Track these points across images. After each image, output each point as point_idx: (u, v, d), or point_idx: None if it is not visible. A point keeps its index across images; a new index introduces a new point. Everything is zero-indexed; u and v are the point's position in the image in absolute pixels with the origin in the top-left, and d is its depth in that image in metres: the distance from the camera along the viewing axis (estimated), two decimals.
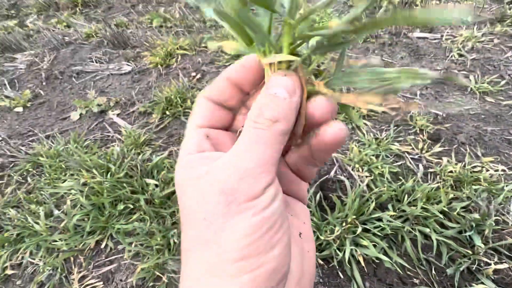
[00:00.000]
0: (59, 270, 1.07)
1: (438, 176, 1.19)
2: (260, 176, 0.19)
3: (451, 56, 1.81)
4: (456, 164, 1.21)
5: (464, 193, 1.09)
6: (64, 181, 1.31)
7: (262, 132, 0.20)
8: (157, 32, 2.46)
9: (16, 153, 1.50)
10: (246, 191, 0.19)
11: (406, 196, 1.08)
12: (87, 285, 1.03)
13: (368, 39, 2.05)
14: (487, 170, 1.18)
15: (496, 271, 0.91)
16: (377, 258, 0.96)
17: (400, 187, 1.12)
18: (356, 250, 0.97)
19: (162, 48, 2.13)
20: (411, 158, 1.27)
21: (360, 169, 1.21)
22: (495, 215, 1.00)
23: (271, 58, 0.22)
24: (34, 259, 1.11)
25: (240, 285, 0.18)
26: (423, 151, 1.29)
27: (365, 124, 1.44)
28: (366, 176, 1.18)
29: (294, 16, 0.21)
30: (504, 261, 0.93)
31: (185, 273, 0.21)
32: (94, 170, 1.27)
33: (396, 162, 1.25)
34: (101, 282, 1.04)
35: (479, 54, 1.80)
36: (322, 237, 0.99)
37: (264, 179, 0.20)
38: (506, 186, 1.09)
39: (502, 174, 1.16)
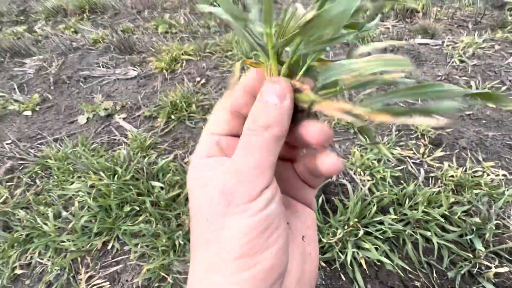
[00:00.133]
0: (66, 270, 1.09)
1: (439, 181, 1.20)
2: (257, 179, 0.21)
3: (452, 62, 1.83)
4: (457, 168, 1.22)
5: (465, 197, 1.10)
6: (72, 183, 1.34)
7: (256, 138, 0.21)
8: (163, 38, 2.51)
9: (25, 155, 1.54)
10: (243, 193, 0.20)
11: (408, 200, 1.10)
12: (94, 285, 1.05)
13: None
14: (488, 175, 1.19)
15: (496, 275, 0.92)
16: (379, 260, 0.97)
17: (401, 191, 1.14)
18: (358, 253, 0.98)
19: (167, 53, 2.18)
20: (413, 163, 1.29)
21: (362, 173, 1.23)
22: (496, 219, 1.01)
23: (260, 65, 0.23)
24: (42, 259, 1.14)
25: (239, 281, 0.19)
26: (425, 156, 1.30)
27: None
28: (368, 180, 1.20)
29: (270, 23, 0.22)
30: (504, 264, 0.94)
31: (190, 270, 0.23)
32: (101, 173, 1.30)
33: (398, 166, 1.27)
34: (108, 282, 1.06)
35: (480, 60, 1.82)
36: (324, 240, 1.01)
37: (260, 182, 0.21)
38: (507, 190, 1.11)
39: (502, 179, 1.17)
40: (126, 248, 1.14)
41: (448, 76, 1.73)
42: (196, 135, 1.57)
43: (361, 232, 0.99)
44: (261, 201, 0.21)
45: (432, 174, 1.23)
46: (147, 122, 1.72)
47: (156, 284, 1.02)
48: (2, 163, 1.55)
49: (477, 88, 1.61)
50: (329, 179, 1.22)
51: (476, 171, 1.21)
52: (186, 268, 1.02)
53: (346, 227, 1.02)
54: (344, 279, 0.97)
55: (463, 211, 1.05)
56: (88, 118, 1.81)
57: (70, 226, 1.20)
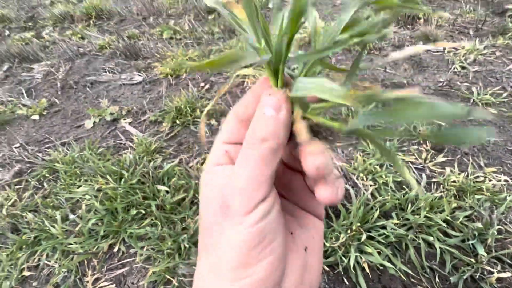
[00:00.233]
0: (73, 272, 1.11)
1: (441, 186, 1.21)
2: (251, 193, 0.21)
3: (454, 68, 1.85)
4: (459, 174, 1.23)
5: (467, 202, 1.11)
6: (79, 186, 1.37)
7: (251, 151, 0.21)
8: (167, 44, 2.55)
9: (33, 159, 1.57)
10: (239, 206, 0.21)
11: (410, 204, 1.11)
12: (100, 287, 1.07)
13: (372, 51, 2.11)
14: (490, 180, 1.20)
15: (499, 280, 0.93)
16: (382, 265, 0.98)
17: (404, 196, 1.15)
18: (361, 257, 0.99)
19: (172, 59, 2.22)
20: (415, 168, 1.30)
21: (365, 178, 1.25)
22: (498, 225, 1.02)
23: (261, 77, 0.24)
24: (50, 261, 1.16)
25: None
26: (427, 161, 1.32)
27: None
28: (371, 185, 1.21)
29: (259, 38, 0.22)
30: (507, 270, 0.94)
31: (196, 270, 0.24)
32: (108, 176, 1.33)
33: None
34: (114, 285, 1.07)
35: (481, 66, 1.84)
36: (327, 244, 1.02)
37: (256, 195, 0.21)
38: (509, 196, 1.12)
39: (504, 184, 1.18)
40: (132, 251, 1.16)
41: (449, 82, 1.74)
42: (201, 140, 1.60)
43: (363, 237, 1.01)
44: (256, 215, 0.21)
45: (434, 180, 1.25)
46: (153, 127, 1.75)
47: (162, 287, 1.04)
48: (10, 166, 1.58)
49: (478, 94, 1.63)
50: None
51: (478, 177, 1.23)
52: (191, 271, 1.04)
53: (349, 231, 1.04)
54: (347, 283, 0.98)
55: (465, 216, 1.06)
56: (94, 122, 1.84)
57: (77, 229, 1.22)
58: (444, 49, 2.04)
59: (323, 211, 0.29)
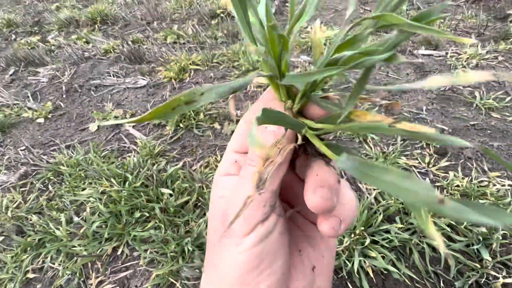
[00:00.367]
0: (77, 275, 1.12)
1: (445, 190, 1.21)
2: (250, 213, 0.20)
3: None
4: (462, 178, 1.23)
5: None
6: (84, 189, 1.38)
7: (252, 168, 0.21)
8: (171, 48, 2.58)
9: (38, 162, 1.59)
10: (236, 229, 0.21)
11: None
12: None
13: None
14: (494, 185, 1.20)
15: (504, 285, 0.92)
16: (386, 269, 0.98)
17: None
18: (364, 261, 0.99)
19: (176, 63, 2.24)
20: (418, 172, 1.30)
21: None
22: (502, 229, 1.02)
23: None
24: (54, 263, 1.16)
25: None
26: (430, 165, 1.32)
27: (372, 138, 1.49)
28: (374, 189, 1.21)
29: (262, 55, 0.22)
30: None
31: (203, 276, 0.25)
32: (112, 179, 1.34)
33: None
34: None
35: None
36: None
37: (254, 216, 0.20)
38: None
39: (508, 189, 1.18)
40: (135, 253, 1.16)
41: (452, 87, 1.75)
42: (204, 143, 1.61)
43: (367, 241, 1.01)
44: (254, 237, 0.20)
45: (437, 184, 1.25)
46: (156, 130, 1.76)
47: None
48: (16, 169, 1.59)
49: (481, 99, 1.63)
50: None
51: (481, 181, 1.22)
52: (194, 274, 1.04)
53: (352, 235, 1.03)
54: (351, 287, 0.98)
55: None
56: (98, 125, 1.86)
57: (81, 231, 1.22)
58: (447, 53, 2.05)
59: None
